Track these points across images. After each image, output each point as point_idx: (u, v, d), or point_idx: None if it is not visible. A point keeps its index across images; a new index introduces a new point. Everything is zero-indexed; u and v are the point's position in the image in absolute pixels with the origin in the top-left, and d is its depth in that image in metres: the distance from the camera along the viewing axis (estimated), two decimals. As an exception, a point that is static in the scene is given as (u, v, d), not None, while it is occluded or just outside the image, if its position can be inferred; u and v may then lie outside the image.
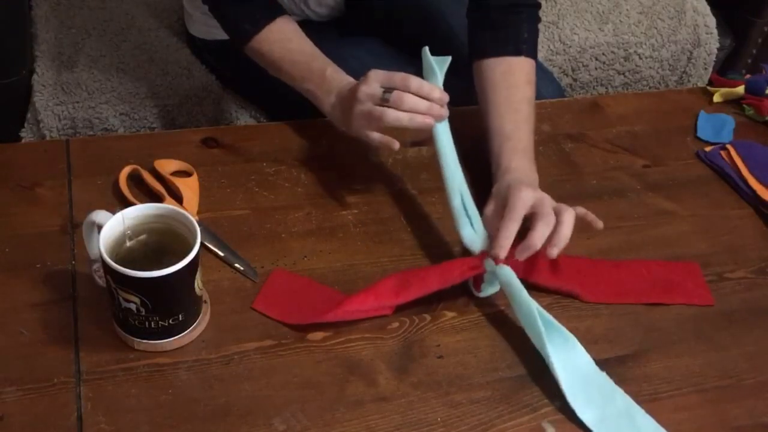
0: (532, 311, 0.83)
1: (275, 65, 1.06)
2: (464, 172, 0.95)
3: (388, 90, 0.92)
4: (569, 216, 0.85)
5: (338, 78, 1.01)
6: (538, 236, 0.84)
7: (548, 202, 0.87)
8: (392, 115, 0.91)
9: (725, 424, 0.81)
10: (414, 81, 0.92)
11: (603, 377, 0.82)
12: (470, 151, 0.99)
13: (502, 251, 0.85)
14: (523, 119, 1.01)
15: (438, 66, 0.97)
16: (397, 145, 0.94)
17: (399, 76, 0.92)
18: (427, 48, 0.99)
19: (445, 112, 0.94)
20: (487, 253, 0.87)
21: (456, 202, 0.92)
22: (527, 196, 0.87)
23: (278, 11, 1.07)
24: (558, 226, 0.85)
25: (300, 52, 1.05)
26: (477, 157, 1.01)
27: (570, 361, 0.83)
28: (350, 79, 1.00)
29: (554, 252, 0.84)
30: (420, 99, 0.92)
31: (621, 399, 0.81)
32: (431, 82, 0.95)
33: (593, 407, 0.80)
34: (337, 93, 1.00)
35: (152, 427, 0.75)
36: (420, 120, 0.92)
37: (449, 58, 0.98)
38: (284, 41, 1.06)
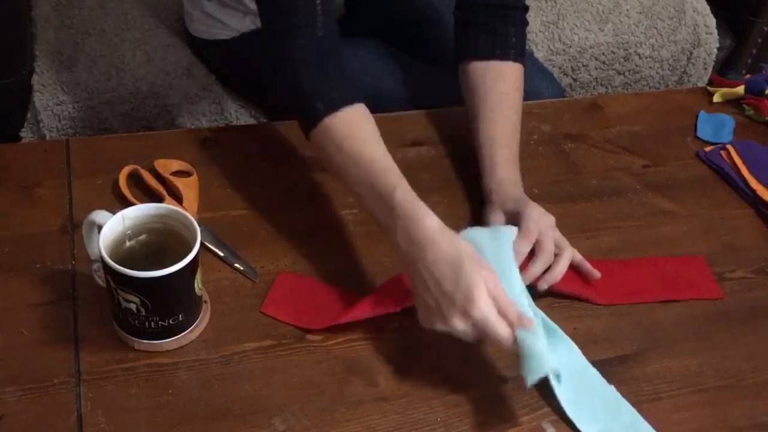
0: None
1: (333, 159, 0.88)
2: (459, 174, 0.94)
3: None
4: (566, 258, 0.89)
5: (415, 208, 0.83)
6: (532, 272, 0.88)
7: (552, 234, 0.90)
8: (462, 333, 0.78)
9: (725, 424, 0.81)
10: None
11: (611, 390, 0.82)
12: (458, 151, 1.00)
13: (529, 279, 0.88)
14: (513, 129, 1.02)
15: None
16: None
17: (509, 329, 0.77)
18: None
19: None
20: None
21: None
22: (548, 225, 0.90)
23: (357, 97, 0.90)
24: (554, 265, 0.89)
25: (371, 157, 0.87)
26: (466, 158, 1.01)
27: (575, 374, 0.82)
28: (435, 221, 0.83)
29: (544, 286, 0.88)
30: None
31: (627, 413, 0.80)
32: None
33: (597, 421, 0.79)
34: (413, 230, 0.82)
35: (152, 427, 0.75)
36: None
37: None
38: (355, 134, 0.88)
